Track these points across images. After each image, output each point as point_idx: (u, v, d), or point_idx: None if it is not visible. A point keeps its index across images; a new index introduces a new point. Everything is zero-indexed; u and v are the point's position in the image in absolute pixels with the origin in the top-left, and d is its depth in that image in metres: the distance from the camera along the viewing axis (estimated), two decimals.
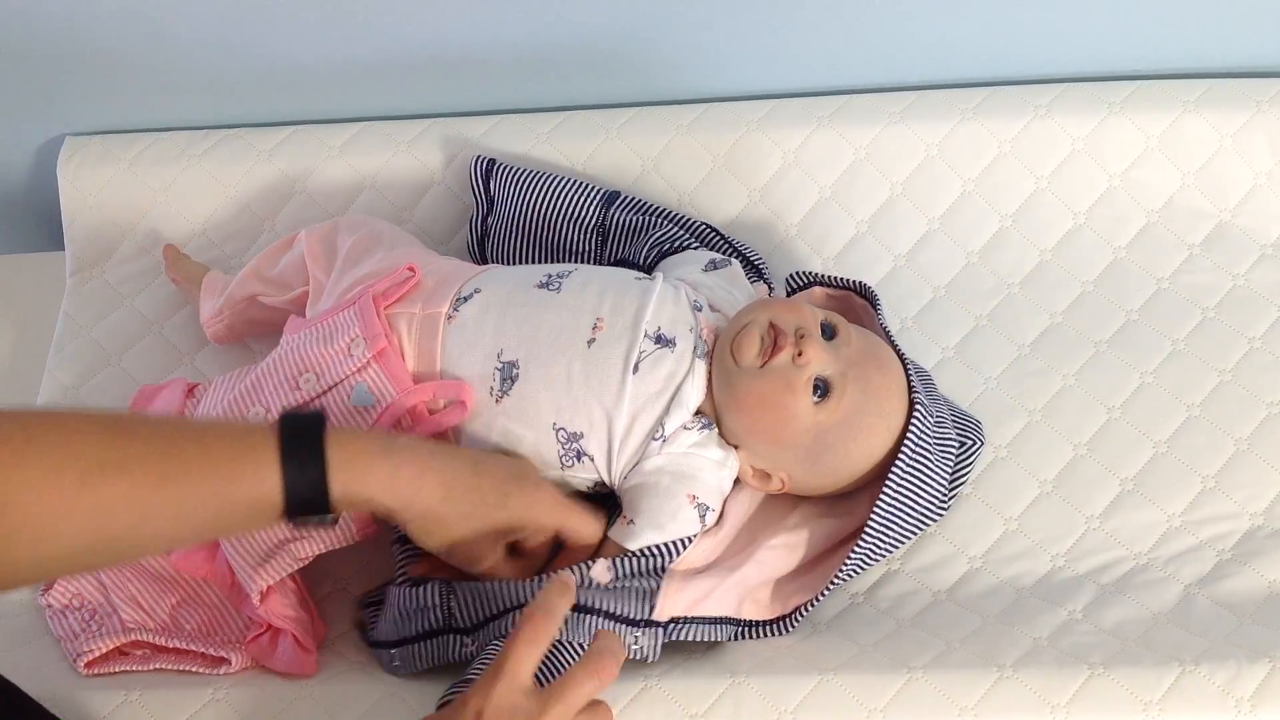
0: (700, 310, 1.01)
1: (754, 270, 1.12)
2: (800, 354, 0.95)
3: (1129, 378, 1.12)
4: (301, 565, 0.96)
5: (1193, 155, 1.19)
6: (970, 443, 1.06)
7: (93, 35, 1.17)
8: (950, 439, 1.03)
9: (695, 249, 1.12)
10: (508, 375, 0.97)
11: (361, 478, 0.84)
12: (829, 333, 0.98)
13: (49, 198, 1.28)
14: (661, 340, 0.98)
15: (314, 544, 0.96)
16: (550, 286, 1.01)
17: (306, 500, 0.82)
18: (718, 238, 1.13)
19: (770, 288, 1.12)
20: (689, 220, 1.15)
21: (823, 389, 0.96)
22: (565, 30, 1.18)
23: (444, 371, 0.99)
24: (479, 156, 1.19)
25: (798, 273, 1.07)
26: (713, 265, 1.08)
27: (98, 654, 0.99)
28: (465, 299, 1.01)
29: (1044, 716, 0.92)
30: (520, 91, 1.25)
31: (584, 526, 0.96)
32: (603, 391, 0.96)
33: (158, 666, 0.99)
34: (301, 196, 1.24)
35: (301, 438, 0.83)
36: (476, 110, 1.26)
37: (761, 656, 0.96)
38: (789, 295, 1.08)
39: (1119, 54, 1.21)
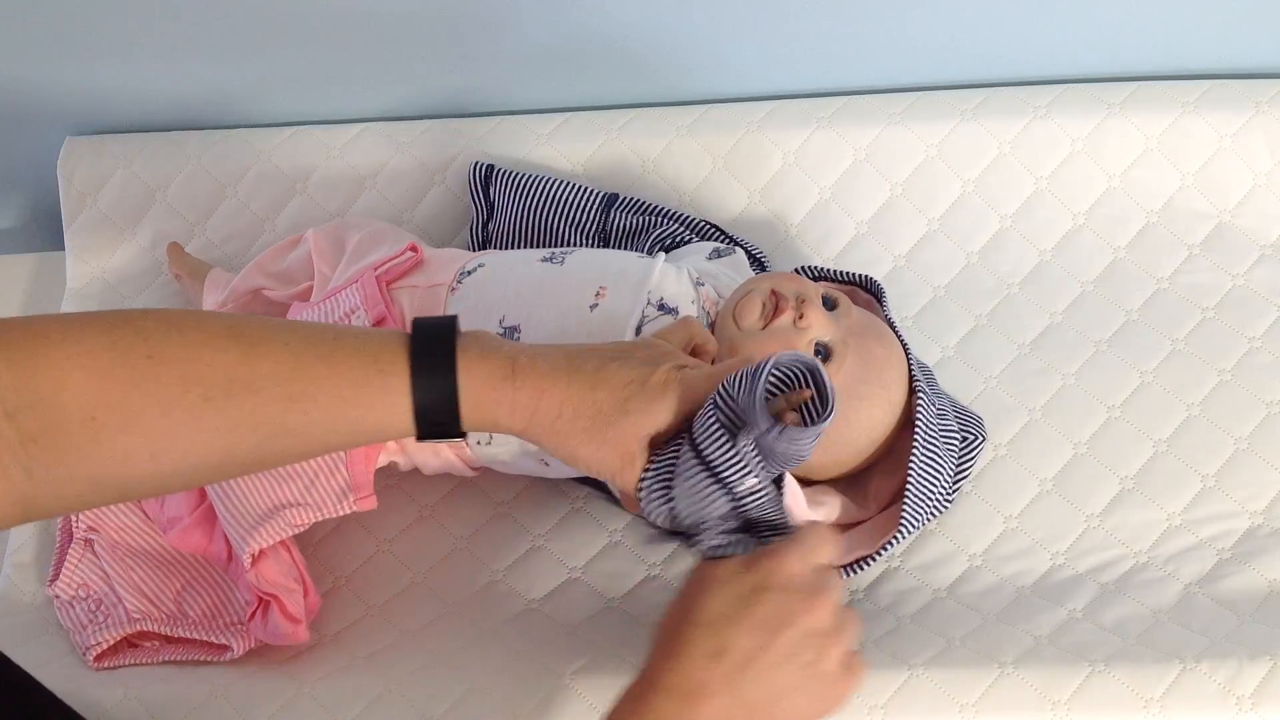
0: (702, 286, 1.01)
1: (757, 263, 1.12)
2: (801, 317, 0.96)
3: (1129, 377, 1.12)
4: (297, 531, 0.97)
5: (1192, 156, 1.19)
6: (972, 438, 1.05)
7: (93, 34, 1.17)
8: (952, 431, 1.03)
9: (697, 243, 1.12)
10: (508, 339, 0.97)
11: (489, 407, 0.82)
12: (830, 304, 0.99)
13: (49, 198, 1.28)
14: (664, 308, 0.98)
15: (310, 512, 0.96)
16: (554, 260, 1.01)
17: (436, 424, 0.81)
18: (718, 234, 1.13)
19: None
20: (689, 218, 1.15)
21: (824, 353, 0.96)
22: (565, 31, 1.18)
23: None
24: (477, 163, 1.19)
25: (804, 267, 1.07)
26: (717, 254, 1.08)
27: (105, 646, 0.99)
28: (469, 272, 1.02)
29: (1044, 713, 0.92)
30: (520, 93, 1.25)
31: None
32: None
33: (165, 659, 1.00)
34: (301, 197, 1.24)
35: (432, 361, 0.80)
36: (477, 111, 1.26)
37: None
38: None
39: (1119, 54, 1.21)
